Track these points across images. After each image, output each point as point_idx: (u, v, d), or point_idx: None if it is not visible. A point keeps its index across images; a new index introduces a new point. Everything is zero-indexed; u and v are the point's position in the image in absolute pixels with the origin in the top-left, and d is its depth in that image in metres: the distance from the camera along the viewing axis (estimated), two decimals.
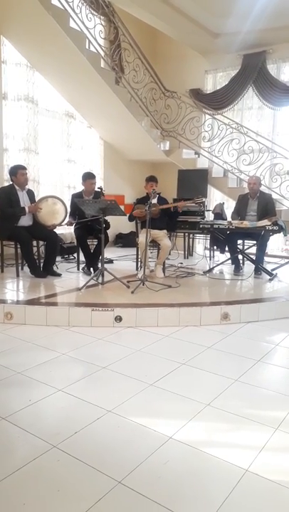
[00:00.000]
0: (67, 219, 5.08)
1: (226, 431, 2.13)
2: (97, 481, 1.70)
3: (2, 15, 5.26)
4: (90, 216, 4.71)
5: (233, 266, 5.50)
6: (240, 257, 5.61)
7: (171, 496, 1.64)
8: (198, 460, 1.87)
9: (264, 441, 2.01)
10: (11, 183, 4.94)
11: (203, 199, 5.43)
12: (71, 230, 5.36)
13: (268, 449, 1.95)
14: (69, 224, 5.09)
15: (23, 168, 4.94)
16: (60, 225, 5.03)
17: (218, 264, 5.66)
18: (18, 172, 4.85)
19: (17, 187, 4.87)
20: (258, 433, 2.09)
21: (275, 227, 4.81)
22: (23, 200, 4.89)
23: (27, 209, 4.80)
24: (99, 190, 4.94)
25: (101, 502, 1.59)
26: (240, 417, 2.23)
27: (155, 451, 1.91)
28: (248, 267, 5.57)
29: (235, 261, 5.47)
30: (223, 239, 5.51)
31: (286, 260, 6.06)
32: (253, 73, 7.14)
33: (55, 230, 5.03)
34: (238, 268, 5.43)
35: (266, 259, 5.86)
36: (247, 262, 5.76)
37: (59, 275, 4.95)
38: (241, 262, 5.88)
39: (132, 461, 1.83)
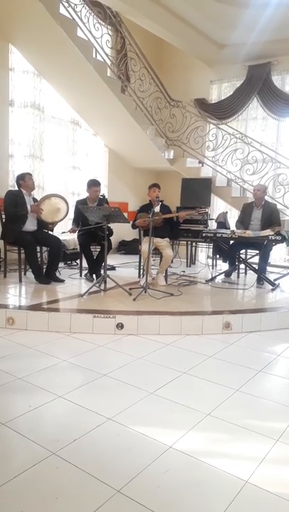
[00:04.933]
0: (68, 219, 5.09)
1: (226, 441, 2.12)
2: (96, 489, 1.69)
3: (10, 23, 5.34)
4: (94, 223, 4.73)
5: (230, 272, 5.53)
6: (242, 266, 5.61)
7: (171, 506, 1.63)
8: (198, 470, 1.85)
9: (264, 453, 1.99)
10: (18, 188, 4.99)
11: (206, 210, 5.45)
12: (74, 236, 5.40)
13: (268, 461, 1.94)
14: (72, 231, 5.11)
15: (30, 174, 5.12)
16: (60, 221, 5.04)
17: (220, 273, 5.66)
18: (26, 176, 4.98)
19: (24, 191, 4.93)
20: (258, 444, 2.07)
21: (277, 237, 4.81)
22: (29, 204, 4.93)
23: (29, 208, 4.83)
24: (101, 197, 4.97)
25: (100, 510, 1.58)
26: (241, 427, 2.22)
27: (155, 460, 1.89)
28: (251, 277, 5.57)
29: (231, 265, 5.56)
30: (227, 248, 5.51)
31: (288, 270, 6.05)
32: (257, 84, 7.20)
33: (58, 236, 5.05)
34: (229, 274, 5.53)
35: (269, 268, 5.85)
36: (249, 272, 5.76)
37: (62, 281, 4.96)
38: (244, 271, 5.90)
39: (131, 470, 1.82)
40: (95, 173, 7.04)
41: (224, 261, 6.16)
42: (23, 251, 4.85)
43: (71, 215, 5.23)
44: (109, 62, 6.36)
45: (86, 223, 4.90)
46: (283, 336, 3.82)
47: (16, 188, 5.05)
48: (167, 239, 5.11)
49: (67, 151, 6.74)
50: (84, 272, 5.36)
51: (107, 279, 4.54)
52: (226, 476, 1.81)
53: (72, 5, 5.61)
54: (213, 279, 5.42)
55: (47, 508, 1.60)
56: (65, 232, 5.17)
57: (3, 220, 4.98)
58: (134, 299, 4.20)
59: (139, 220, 5.00)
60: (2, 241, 5.04)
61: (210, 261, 6.45)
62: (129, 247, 7.49)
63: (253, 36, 6.40)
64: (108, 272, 4.71)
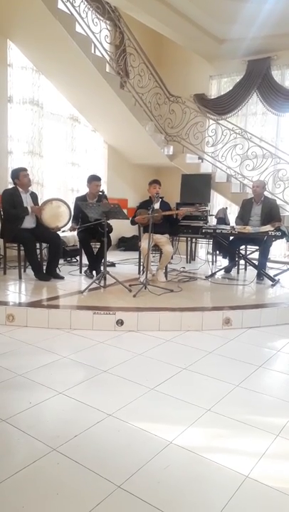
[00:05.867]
0: (70, 223, 5.10)
1: (226, 437, 2.12)
2: (96, 485, 1.70)
3: (9, 19, 5.31)
4: (94, 220, 4.72)
5: (230, 268, 5.55)
6: (242, 262, 5.61)
7: (171, 501, 1.63)
8: (199, 465, 1.86)
9: (265, 448, 2.00)
10: (14, 185, 4.96)
11: (206, 208, 5.44)
12: (74, 232, 5.39)
13: (268, 456, 1.94)
14: (72, 229, 5.10)
15: (24, 169, 4.97)
16: (64, 226, 5.04)
17: (220, 269, 5.66)
18: (20, 174, 4.88)
19: (20, 189, 4.89)
20: (258, 439, 2.08)
21: (277, 233, 4.81)
22: (27, 202, 4.91)
23: (30, 209, 4.82)
24: (101, 193, 4.96)
25: (100, 506, 1.59)
26: (241, 422, 2.22)
27: (155, 456, 1.90)
28: (251, 273, 5.57)
29: (230, 261, 5.59)
30: (227, 244, 5.51)
31: (288, 266, 6.05)
32: (257, 79, 7.17)
33: (58, 233, 5.04)
34: (229, 270, 5.55)
35: (269, 264, 5.85)
36: (249, 268, 5.76)
37: (62, 278, 4.95)
38: (243, 267, 5.89)
39: (131, 466, 1.82)
40: (94, 169, 7.02)
41: (224, 257, 6.16)
42: (22, 248, 4.84)
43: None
44: (108, 58, 6.33)
45: (86, 220, 4.90)
46: (283, 331, 3.83)
47: (12, 186, 5.02)
48: (167, 235, 5.11)
49: (67, 147, 6.72)
50: (84, 269, 5.36)
51: (107, 275, 4.53)
52: (226, 471, 1.82)
53: (71, 0, 5.57)
54: (213, 275, 5.42)
55: (47, 504, 1.60)
56: (65, 231, 5.14)
57: (2, 218, 4.96)
58: (134, 296, 4.20)
59: (139, 216, 4.99)
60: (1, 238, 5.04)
61: (210, 257, 6.46)
62: (128, 244, 7.49)
63: (252, 31, 6.36)
64: (108, 269, 4.71)
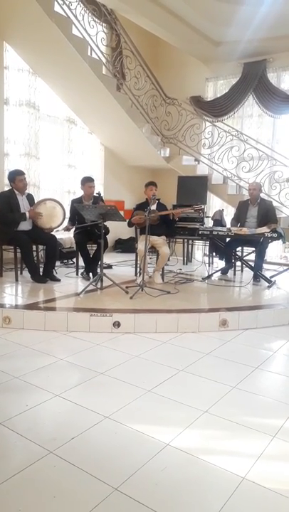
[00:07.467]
0: (65, 222, 5.09)
1: (223, 438, 2.13)
2: (93, 488, 1.70)
3: (5, 21, 5.31)
4: (90, 221, 4.72)
5: (227, 269, 5.57)
6: (238, 263, 5.62)
7: (168, 503, 1.63)
8: (196, 467, 1.86)
9: (261, 449, 2.00)
10: (11, 188, 4.95)
11: (202, 206, 5.46)
12: (70, 234, 5.38)
13: (265, 457, 1.94)
14: (66, 229, 5.10)
15: (21, 173, 4.91)
16: (57, 227, 5.03)
17: (217, 271, 5.67)
18: (16, 178, 4.84)
19: (16, 192, 4.89)
20: (255, 441, 2.08)
21: (273, 235, 4.82)
22: (23, 205, 4.90)
23: (27, 214, 4.81)
24: (97, 195, 4.96)
25: (97, 509, 1.58)
26: (238, 424, 2.23)
27: (152, 458, 1.90)
28: (247, 274, 5.58)
29: (227, 263, 5.62)
30: (223, 246, 5.53)
31: (285, 267, 6.07)
32: (253, 81, 7.20)
33: (54, 234, 5.03)
34: (225, 271, 5.59)
35: (265, 266, 5.86)
36: (246, 269, 5.77)
37: (58, 280, 4.94)
38: (240, 269, 5.91)
39: (128, 468, 1.82)
40: (90, 171, 7.02)
41: (220, 258, 6.17)
42: (19, 250, 4.83)
43: (67, 214, 5.21)
44: (104, 60, 6.34)
45: (82, 222, 4.89)
46: (279, 332, 3.83)
47: (8, 188, 5.00)
48: (164, 237, 5.11)
49: (63, 149, 6.72)
50: (80, 271, 5.35)
51: (104, 277, 4.53)
52: (223, 472, 1.82)
53: (67, 2, 5.58)
54: (209, 276, 5.43)
55: (44, 507, 1.60)
56: (58, 230, 5.12)
57: None
58: (131, 297, 4.20)
59: (136, 217, 5.00)
60: None
61: (206, 259, 6.46)
62: (125, 246, 7.49)
63: (248, 33, 6.39)
64: (105, 271, 4.71)
